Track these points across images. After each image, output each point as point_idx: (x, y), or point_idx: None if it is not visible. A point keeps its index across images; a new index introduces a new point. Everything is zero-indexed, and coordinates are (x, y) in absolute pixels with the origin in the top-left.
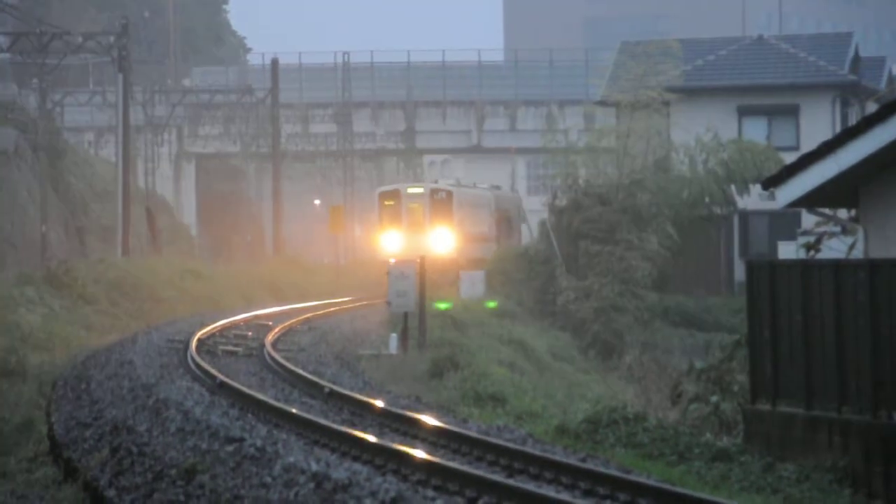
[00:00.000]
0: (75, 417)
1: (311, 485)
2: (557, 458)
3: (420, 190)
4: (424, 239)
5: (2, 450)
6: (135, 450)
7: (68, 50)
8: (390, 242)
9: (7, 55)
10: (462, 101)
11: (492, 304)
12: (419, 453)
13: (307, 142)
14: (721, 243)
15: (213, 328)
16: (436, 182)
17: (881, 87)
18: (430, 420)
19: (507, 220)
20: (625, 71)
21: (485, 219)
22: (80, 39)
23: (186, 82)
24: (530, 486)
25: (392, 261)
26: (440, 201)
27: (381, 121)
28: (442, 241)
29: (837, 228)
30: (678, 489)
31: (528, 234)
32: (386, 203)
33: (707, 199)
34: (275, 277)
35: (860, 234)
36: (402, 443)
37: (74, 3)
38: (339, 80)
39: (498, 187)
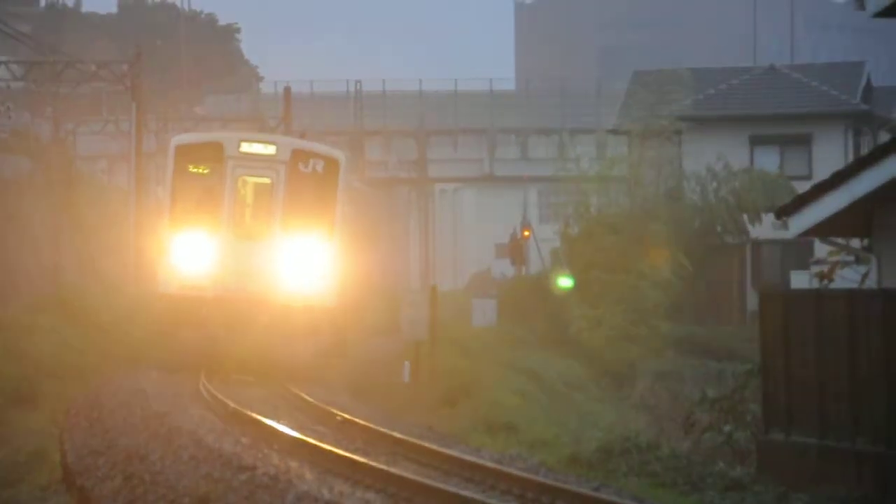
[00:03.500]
0: (88, 445)
1: None
2: (570, 486)
3: (270, 150)
4: (268, 255)
5: (15, 478)
6: (148, 478)
7: (81, 78)
8: (190, 257)
9: (21, 84)
10: (474, 130)
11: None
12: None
13: None
14: (733, 272)
15: None
16: (303, 135)
17: (894, 117)
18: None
19: (368, 230)
20: (637, 100)
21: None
22: (93, 68)
23: (199, 110)
24: None
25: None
26: (310, 178)
27: (394, 149)
28: (311, 264)
29: (850, 258)
30: None
31: (540, 261)
32: (191, 170)
33: (719, 229)
34: None
35: (873, 264)
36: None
37: (87, 31)
38: (352, 108)
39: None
